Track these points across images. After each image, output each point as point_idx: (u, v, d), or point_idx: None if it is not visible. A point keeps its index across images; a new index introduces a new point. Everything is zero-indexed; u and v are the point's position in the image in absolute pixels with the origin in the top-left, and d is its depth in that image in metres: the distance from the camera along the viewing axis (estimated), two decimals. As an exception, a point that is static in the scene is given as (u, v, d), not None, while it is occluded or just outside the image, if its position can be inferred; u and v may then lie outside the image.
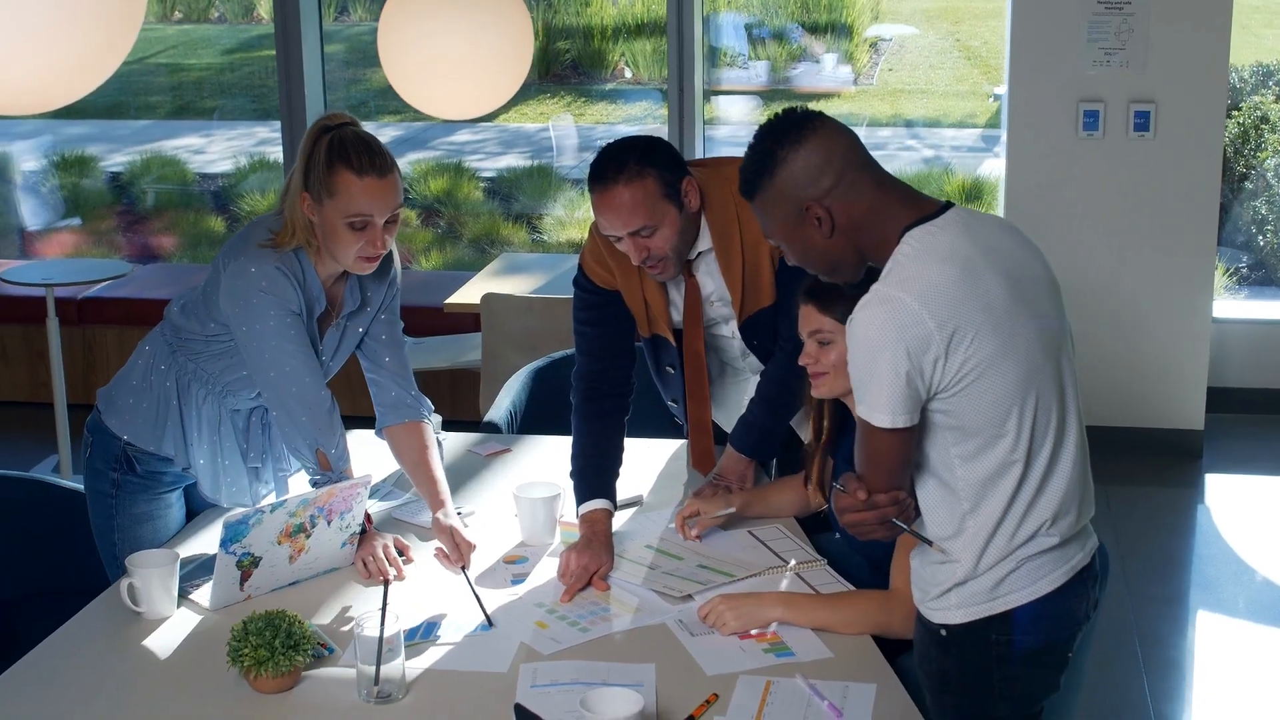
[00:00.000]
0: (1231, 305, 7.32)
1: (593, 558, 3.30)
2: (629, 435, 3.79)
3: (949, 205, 2.69)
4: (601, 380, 3.63)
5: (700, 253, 3.54)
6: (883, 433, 2.60)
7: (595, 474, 3.52)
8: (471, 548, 3.38)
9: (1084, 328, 6.31)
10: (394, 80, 2.84)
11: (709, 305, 3.63)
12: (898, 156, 9.68)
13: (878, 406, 2.58)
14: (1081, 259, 6.36)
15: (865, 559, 3.27)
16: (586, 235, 3.69)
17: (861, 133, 10.11)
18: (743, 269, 3.53)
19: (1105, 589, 3.01)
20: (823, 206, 2.64)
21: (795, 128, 2.67)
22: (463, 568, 3.33)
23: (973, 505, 2.66)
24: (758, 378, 3.76)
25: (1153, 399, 6.48)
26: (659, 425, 4.08)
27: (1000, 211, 6.60)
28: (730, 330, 3.68)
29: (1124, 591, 5.26)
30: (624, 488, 3.69)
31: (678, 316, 3.66)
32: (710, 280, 3.59)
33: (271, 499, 3.59)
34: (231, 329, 3.35)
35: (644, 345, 3.76)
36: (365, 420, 3.72)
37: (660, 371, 3.78)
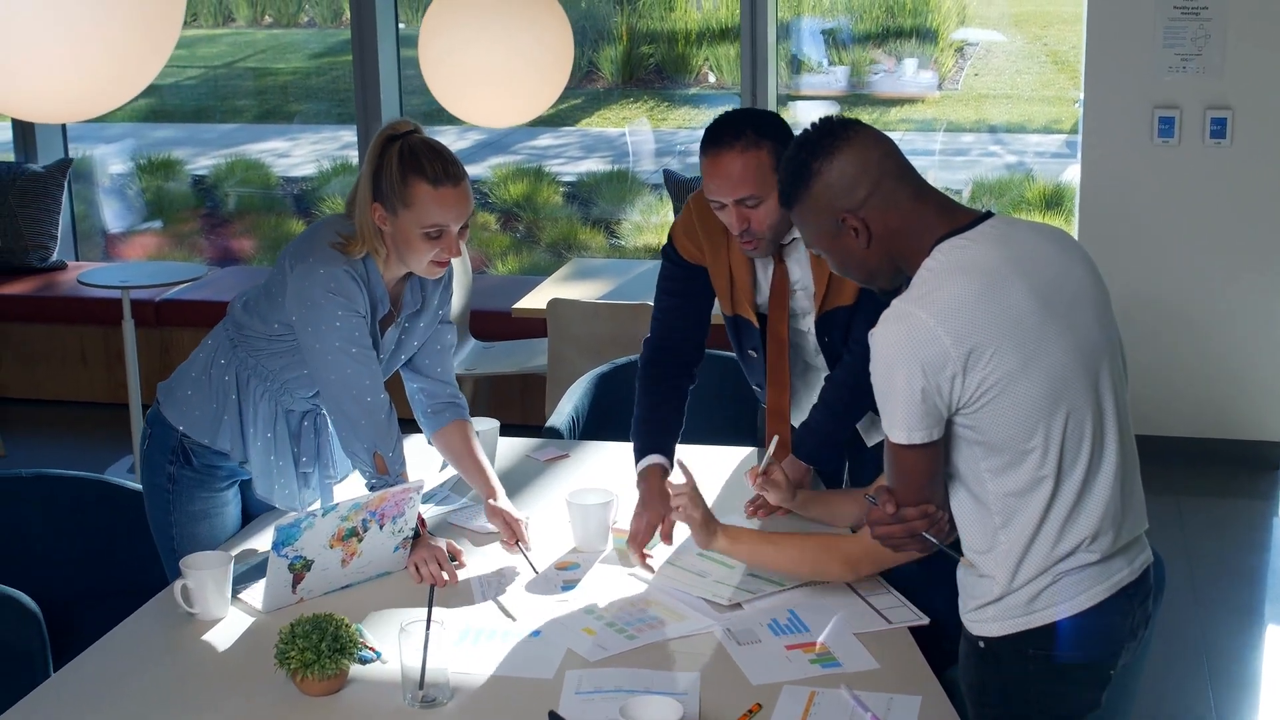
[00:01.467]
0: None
1: (651, 516, 3.41)
2: (696, 443, 3.84)
3: (988, 215, 2.67)
4: (669, 350, 3.71)
5: (794, 239, 3.55)
6: (902, 449, 2.61)
7: (650, 433, 3.61)
8: (520, 522, 3.46)
9: (1160, 337, 6.26)
10: (434, 88, 2.85)
11: (793, 295, 3.64)
12: (980, 162, 9.63)
13: (894, 422, 2.59)
14: (1157, 268, 6.29)
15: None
16: (666, 235, 3.73)
17: (940, 138, 10.05)
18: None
19: (1160, 605, 2.97)
20: (858, 217, 2.65)
21: (829, 138, 2.68)
22: (519, 543, 3.43)
23: (1004, 520, 2.65)
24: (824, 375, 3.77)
25: (1229, 409, 6.40)
26: (726, 434, 4.09)
27: (1075, 219, 6.54)
28: (809, 325, 3.69)
29: (1193, 604, 5.20)
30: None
31: (761, 300, 3.68)
32: (798, 268, 3.60)
33: (317, 506, 3.61)
34: (295, 329, 3.38)
35: (727, 326, 3.77)
36: (414, 424, 3.74)
37: (744, 354, 3.79)
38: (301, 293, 3.33)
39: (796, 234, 3.53)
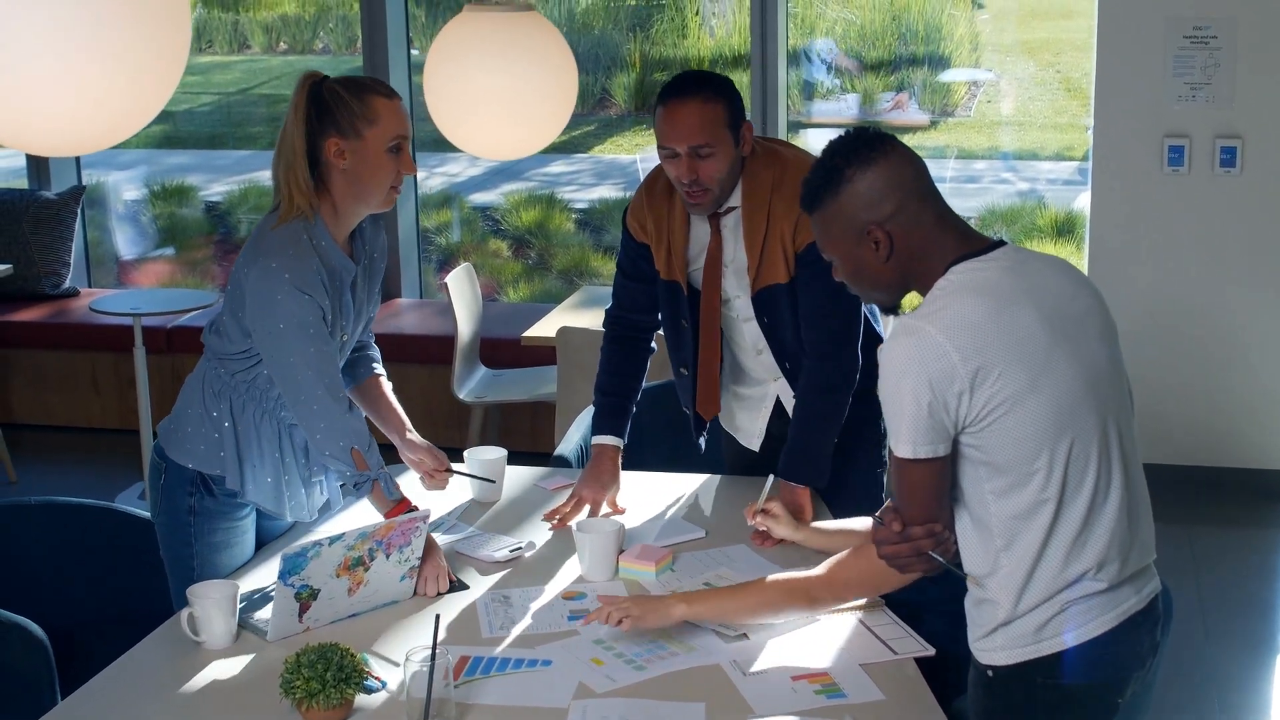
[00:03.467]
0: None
1: (588, 494, 3.75)
2: (687, 470, 4.00)
3: (1001, 243, 2.69)
4: (627, 321, 3.98)
5: (730, 208, 3.70)
6: (908, 464, 2.62)
7: (609, 411, 3.93)
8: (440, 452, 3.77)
9: (1168, 366, 6.25)
10: (437, 119, 2.87)
11: (726, 270, 3.75)
12: (992, 190, 9.62)
13: (900, 436, 2.61)
14: (1167, 296, 6.29)
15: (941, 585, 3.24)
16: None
17: (952, 165, 10.05)
18: (763, 240, 3.66)
19: (1169, 634, 2.97)
20: (884, 230, 2.67)
21: (866, 148, 2.68)
22: (448, 470, 3.75)
23: (1006, 543, 2.66)
24: (774, 385, 3.88)
25: (1239, 438, 6.39)
26: (670, 463, 4.18)
27: (1085, 247, 6.54)
28: (743, 311, 3.78)
29: (1203, 634, 5.18)
30: (687, 524, 3.72)
31: (695, 270, 3.80)
32: (731, 240, 3.73)
33: (330, 528, 3.63)
34: (255, 335, 3.37)
35: (661, 296, 3.87)
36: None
37: (675, 325, 3.88)
38: (260, 294, 3.32)
39: (735, 204, 3.68)
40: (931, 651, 3.10)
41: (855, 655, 3.10)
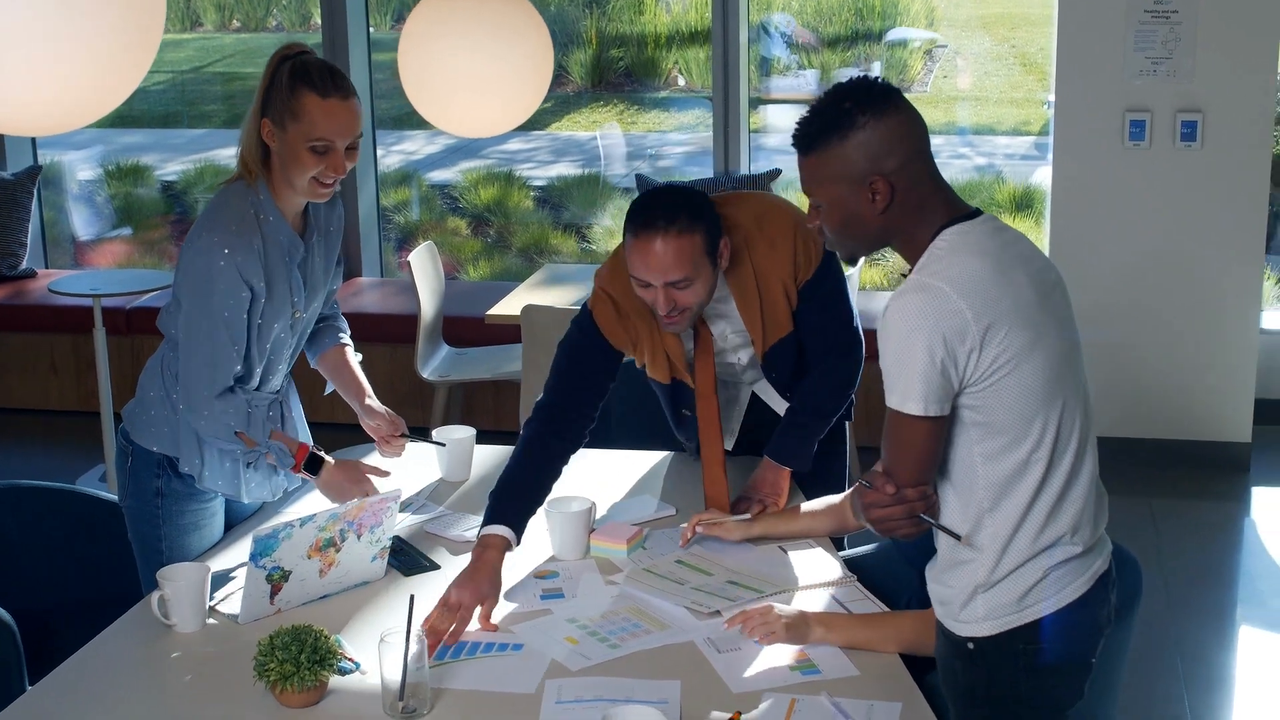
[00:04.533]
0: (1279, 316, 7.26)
1: (472, 591, 3.16)
2: (655, 448, 3.94)
3: (980, 211, 2.70)
4: (563, 419, 3.56)
5: (714, 300, 3.54)
6: (915, 421, 2.60)
7: (511, 500, 3.41)
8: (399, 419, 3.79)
9: (1131, 339, 6.28)
10: (412, 97, 2.85)
11: (723, 339, 3.65)
12: (950, 165, 9.64)
13: (911, 394, 2.58)
14: (1128, 269, 6.32)
15: (913, 568, 3.24)
16: (593, 291, 3.64)
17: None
18: (761, 308, 3.55)
19: (1126, 596, 3.00)
20: (887, 181, 2.63)
21: (881, 98, 2.65)
22: (403, 435, 3.78)
23: (992, 504, 2.67)
24: (753, 389, 3.85)
25: (1199, 411, 6.43)
26: (648, 440, 4.15)
27: (1046, 221, 6.57)
28: (738, 358, 3.71)
29: (1166, 605, 5.22)
30: (658, 501, 3.72)
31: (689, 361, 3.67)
32: (722, 324, 3.61)
33: (299, 509, 3.63)
34: (182, 305, 3.37)
35: (662, 392, 3.75)
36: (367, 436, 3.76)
37: (678, 416, 3.79)
38: (196, 269, 3.32)
39: (716, 297, 3.52)
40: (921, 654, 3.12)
41: (829, 631, 3.11)
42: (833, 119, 2.64)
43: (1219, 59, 6.11)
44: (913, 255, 2.69)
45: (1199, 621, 5.17)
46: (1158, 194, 6.28)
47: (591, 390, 3.60)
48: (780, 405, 3.80)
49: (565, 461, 3.56)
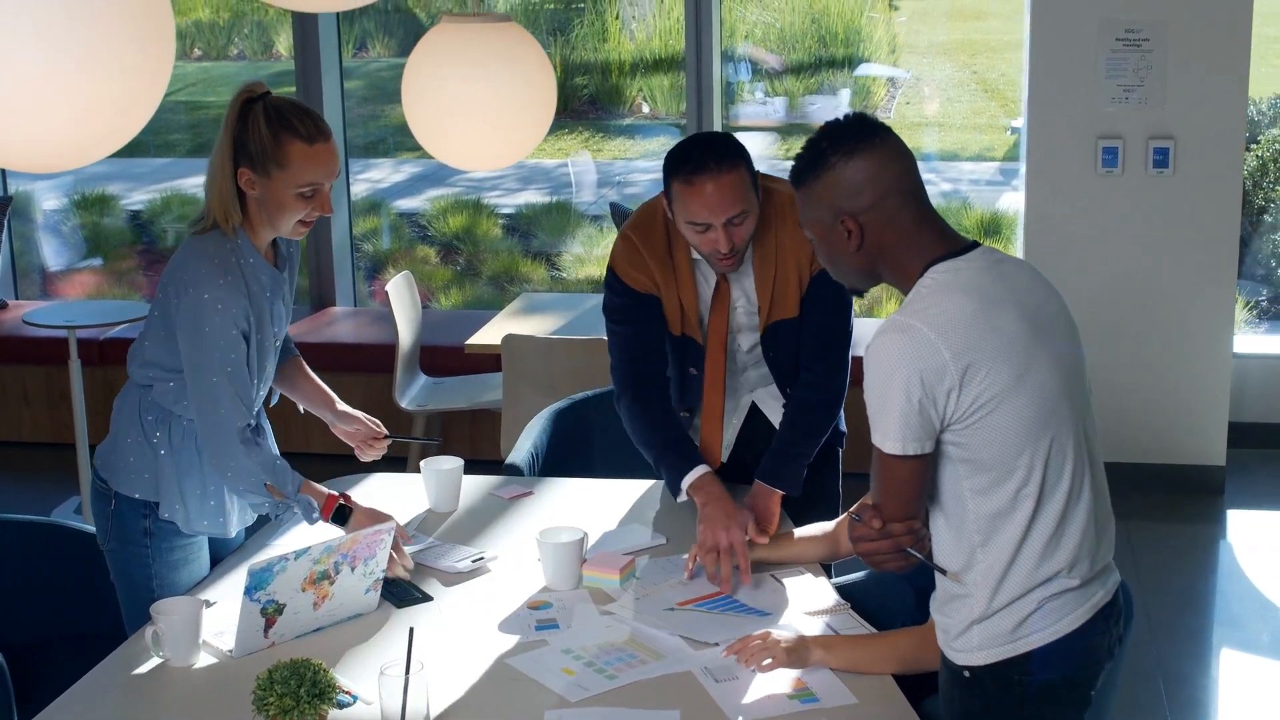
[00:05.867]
0: (1252, 340, 7.31)
1: (726, 522, 3.43)
2: (641, 476, 3.98)
3: (976, 244, 2.71)
4: (645, 373, 3.76)
5: None
6: (895, 460, 2.62)
7: (677, 448, 3.67)
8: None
9: (1105, 364, 6.31)
10: (416, 130, 2.85)
11: (733, 311, 3.73)
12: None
13: (889, 433, 2.61)
14: (1101, 295, 6.36)
15: (914, 590, 3.25)
16: (606, 268, 3.79)
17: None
18: (774, 277, 3.67)
19: (1131, 627, 3.01)
20: (856, 221, 2.68)
21: (854, 137, 2.69)
22: (386, 437, 3.77)
23: (984, 539, 2.69)
24: (752, 397, 3.89)
25: (1174, 435, 6.47)
26: (630, 470, 4.12)
27: (1019, 247, 6.60)
28: (745, 343, 3.78)
29: (1146, 629, 5.24)
30: (649, 530, 3.72)
31: (702, 315, 3.77)
32: (740, 283, 3.71)
33: (290, 541, 3.61)
34: (184, 360, 3.36)
35: (671, 345, 3.82)
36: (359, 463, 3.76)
37: (684, 372, 3.85)
38: (189, 325, 3.31)
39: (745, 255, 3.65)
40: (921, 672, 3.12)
41: (826, 660, 3.11)
42: (809, 159, 2.73)
43: (1190, 86, 6.16)
44: (905, 289, 2.71)
45: (1179, 645, 5.20)
46: (1130, 220, 6.32)
47: (646, 335, 3.76)
48: (778, 414, 3.85)
49: (669, 399, 3.79)
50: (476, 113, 2.74)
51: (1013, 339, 2.63)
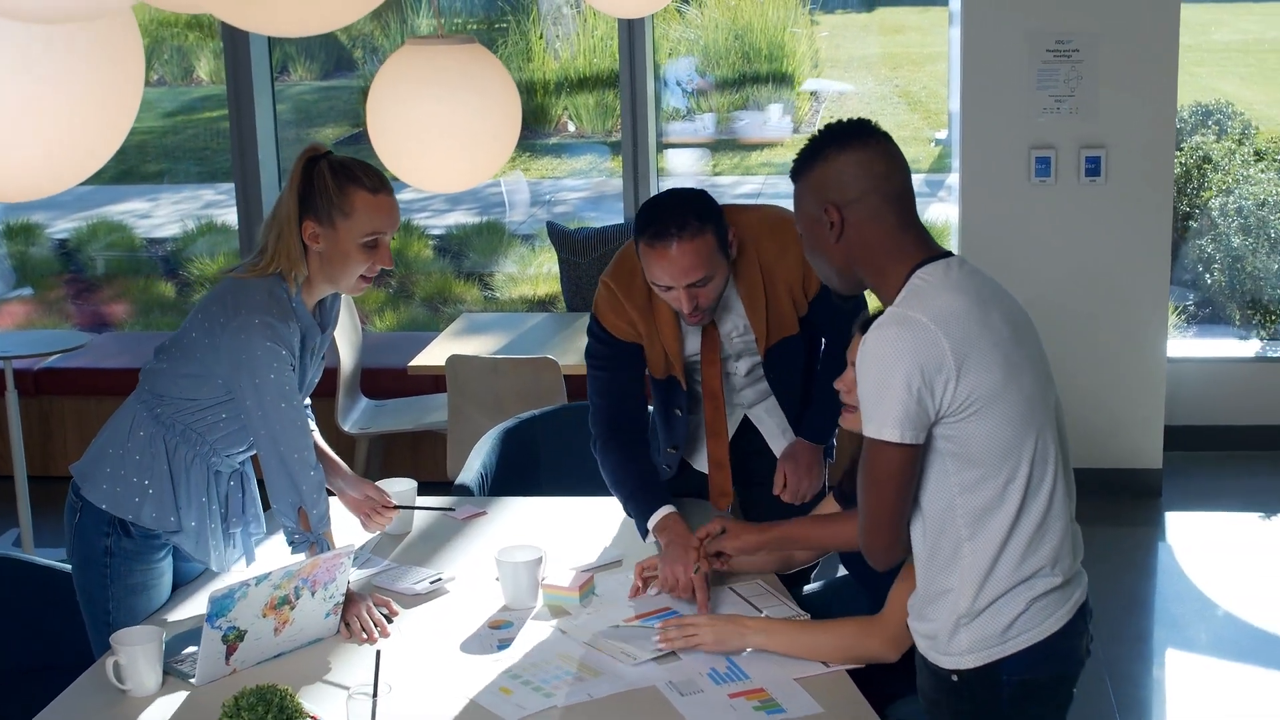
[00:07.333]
0: (1182, 344, 7.40)
1: (684, 563, 3.39)
2: (588, 494, 3.99)
3: (951, 254, 2.76)
4: (621, 417, 3.76)
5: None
6: (891, 449, 2.65)
7: (645, 490, 3.65)
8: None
9: (1042, 371, 6.36)
10: (380, 153, 2.86)
11: (728, 341, 3.76)
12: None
13: (888, 422, 2.63)
14: (1036, 303, 6.36)
15: (870, 594, 3.27)
16: (598, 287, 3.80)
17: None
18: (766, 305, 3.69)
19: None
20: (839, 212, 2.72)
21: (849, 135, 2.77)
22: (396, 506, 3.77)
23: (971, 533, 2.72)
24: (746, 412, 3.91)
25: (1112, 439, 6.54)
26: (587, 486, 4.14)
27: (954, 258, 6.64)
28: (738, 368, 3.81)
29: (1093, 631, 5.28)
30: (602, 549, 3.73)
31: (690, 353, 3.78)
32: (731, 320, 3.73)
33: (242, 565, 3.61)
34: (231, 385, 3.37)
35: (655, 388, 3.85)
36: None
37: (668, 415, 3.87)
38: (239, 348, 3.32)
39: (727, 296, 3.66)
40: (863, 663, 3.14)
41: (789, 670, 3.13)
42: (807, 151, 2.79)
43: (1120, 95, 6.24)
44: (887, 294, 2.74)
45: (1124, 646, 5.25)
46: (1064, 229, 6.39)
47: (624, 381, 3.77)
48: (776, 437, 3.90)
49: (646, 446, 3.81)
50: (443, 134, 2.74)
51: (1003, 339, 2.69)
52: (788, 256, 3.65)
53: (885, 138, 2.79)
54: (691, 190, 3.62)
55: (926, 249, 2.75)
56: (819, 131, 2.81)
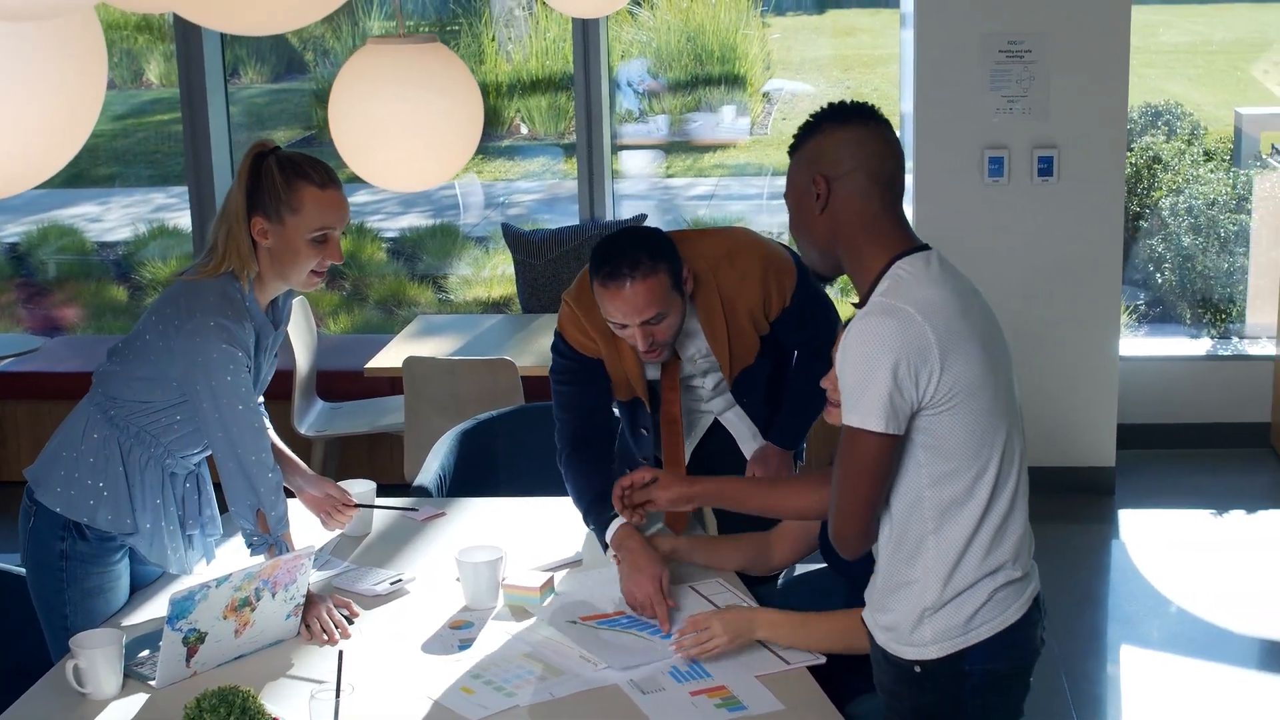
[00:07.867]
0: (1133, 343, 7.46)
1: (649, 577, 3.39)
2: (546, 494, 4.01)
3: (929, 247, 2.77)
4: (586, 431, 3.73)
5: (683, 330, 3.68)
6: (872, 439, 2.65)
7: (603, 502, 3.57)
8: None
9: (996, 370, 6.40)
10: (342, 151, 2.86)
11: (692, 363, 3.77)
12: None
13: (873, 412, 2.64)
14: (992, 302, 6.41)
15: (847, 580, 3.29)
16: (561, 306, 3.77)
17: (764, 182, 10.10)
18: (728, 334, 3.70)
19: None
20: (826, 182, 2.74)
21: (851, 113, 2.80)
22: (355, 505, 3.77)
23: (936, 526, 2.74)
24: (719, 418, 3.92)
25: (1065, 438, 6.59)
26: (543, 486, 4.15)
27: (908, 258, 6.67)
28: (704, 383, 3.83)
29: (1047, 628, 5.32)
30: (562, 549, 3.73)
31: (652, 376, 3.78)
32: (692, 343, 3.73)
33: (203, 565, 3.60)
34: (186, 387, 3.35)
35: (621, 409, 3.86)
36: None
37: (635, 433, 3.88)
38: (194, 351, 3.31)
39: (688, 324, 3.66)
40: (823, 660, 3.16)
41: (749, 667, 3.14)
42: (807, 127, 2.82)
43: (1072, 95, 6.28)
44: (863, 279, 2.75)
45: (1079, 643, 5.29)
46: (1017, 228, 6.43)
47: (588, 395, 3.75)
48: (747, 440, 3.92)
49: (612, 460, 3.79)
50: (405, 132, 2.74)
51: (983, 333, 2.73)
52: (747, 283, 3.67)
53: (885, 124, 2.81)
54: (645, 229, 3.64)
55: (907, 240, 2.77)
56: (821, 108, 2.83)
